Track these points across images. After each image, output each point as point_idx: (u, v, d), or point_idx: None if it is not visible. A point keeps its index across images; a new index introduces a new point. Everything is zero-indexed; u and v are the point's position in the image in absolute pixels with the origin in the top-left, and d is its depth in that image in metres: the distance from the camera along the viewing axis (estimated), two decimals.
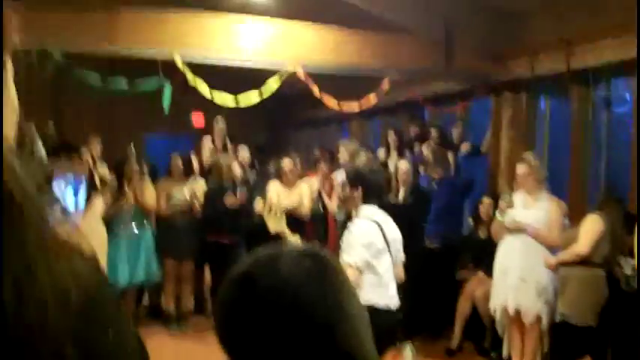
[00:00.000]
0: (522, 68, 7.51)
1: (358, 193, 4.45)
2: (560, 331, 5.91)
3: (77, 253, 0.85)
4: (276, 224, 4.75)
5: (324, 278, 1.14)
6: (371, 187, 4.49)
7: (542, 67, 7.26)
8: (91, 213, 1.19)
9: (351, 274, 4.13)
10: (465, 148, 8.09)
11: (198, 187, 7.89)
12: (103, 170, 8.03)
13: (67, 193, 1.11)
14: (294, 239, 4.57)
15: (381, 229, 4.34)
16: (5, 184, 0.70)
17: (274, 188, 7.73)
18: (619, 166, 7.17)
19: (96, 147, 8.39)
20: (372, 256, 4.26)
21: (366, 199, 4.44)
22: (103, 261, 1.24)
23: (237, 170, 7.87)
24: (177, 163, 7.92)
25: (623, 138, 7.32)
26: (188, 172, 8.01)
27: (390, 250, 4.38)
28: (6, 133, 0.90)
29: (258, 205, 7.45)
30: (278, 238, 4.66)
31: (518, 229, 6.16)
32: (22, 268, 0.69)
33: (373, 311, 4.17)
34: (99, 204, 1.26)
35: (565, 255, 5.75)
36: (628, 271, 5.62)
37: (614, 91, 7.12)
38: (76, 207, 1.15)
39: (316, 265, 1.15)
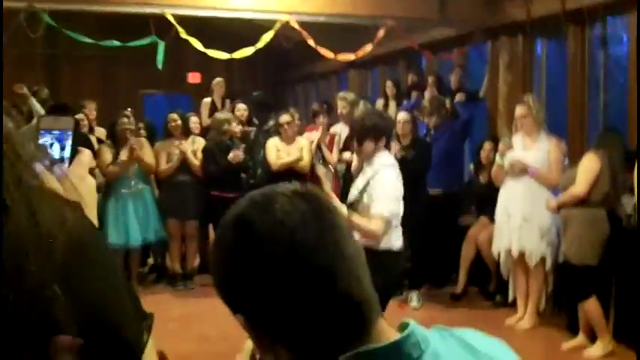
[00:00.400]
0: (518, 10, 7.42)
1: (374, 142, 4.33)
2: (564, 272, 5.94)
3: (64, 201, 0.86)
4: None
5: (320, 219, 1.10)
6: (385, 133, 4.41)
7: (538, 9, 7.18)
8: (78, 164, 1.19)
9: (380, 225, 4.12)
10: (459, 97, 8.00)
11: (198, 145, 7.87)
12: (100, 130, 8.04)
13: (53, 146, 1.11)
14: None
15: (398, 174, 4.32)
16: None
17: (273, 143, 7.71)
18: (617, 105, 7.13)
19: (92, 110, 8.35)
20: (400, 205, 4.27)
21: (377, 145, 4.33)
22: (93, 209, 1.25)
23: (235, 127, 7.82)
24: (176, 122, 7.87)
25: (620, 80, 7.27)
26: (187, 131, 7.97)
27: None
28: None
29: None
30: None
31: (518, 172, 6.15)
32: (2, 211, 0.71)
33: (389, 254, 4.21)
34: (86, 156, 1.27)
35: (564, 197, 5.73)
36: (629, 209, 5.62)
37: (611, 31, 7.04)
38: (63, 160, 1.15)
39: (311, 205, 1.11)
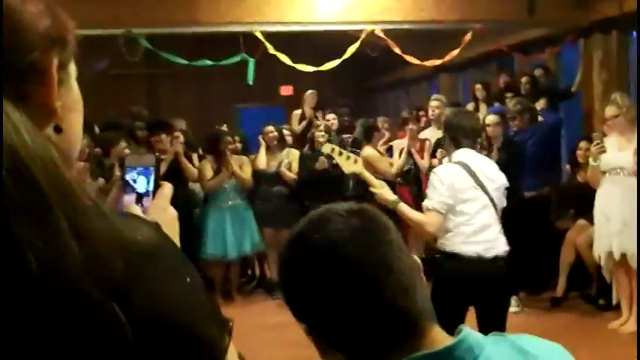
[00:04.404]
0: (610, 6, 7.22)
1: (449, 140, 4.31)
2: None
3: (141, 220, 0.94)
4: (349, 166, 4.64)
5: (370, 235, 1.20)
6: (460, 130, 4.27)
7: (632, 4, 6.95)
8: (160, 196, 1.29)
9: (427, 217, 4.07)
10: (542, 104, 7.79)
11: (292, 157, 8.05)
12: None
13: (137, 181, 1.21)
14: (380, 186, 4.45)
15: (469, 170, 4.14)
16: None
17: (372, 154, 7.70)
18: None
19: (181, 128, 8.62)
20: (457, 199, 4.09)
21: (457, 144, 4.25)
22: (176, 237, 1.34)
23: (321, 137, 7.94)
24: (273, 133, 8.08)
25: None
26: (282, 143, 8.17)
27: (486, 191, 4.17)
28: (72, 137, 0.95)
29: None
30: (369, 197, 4.54)
31: (615, 173, 5.99)
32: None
33: (455, 257, 4.08)
34: (168, 189, 1.37)
35: None
36: None
37: None
38: (147, 193, 1.25)
39: (363, 222, 1.21)
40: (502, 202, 4.31)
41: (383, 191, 4.28)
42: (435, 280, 3.96)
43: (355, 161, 4.55)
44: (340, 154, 4.58)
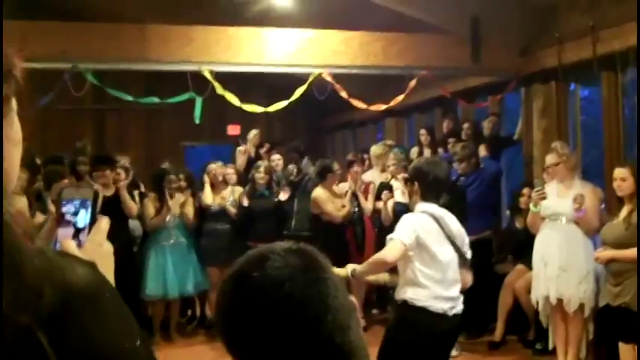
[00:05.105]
0: (550, 58, 7.46)
1: (416, 188, 4.23)
2: (605, 317, 5.83)
3: (74, 259, 0.93)
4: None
5: (308, 273, 1.22)
6: (428, 181, 4.17)
7: (570, 56, 7.21)
8: (96, 231, 1.27)
9: (394, 246, 3.96)
10: (483, 152, 7.96)
11: (237, 194, 8.03)
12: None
13: (79, 214, 1.19)
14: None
15: (439, 222, 4.08)
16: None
17: (322, 193, 7.74)
18: None
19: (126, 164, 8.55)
20: (427, 244, 4.01)
21: (425, 195, 4.19)
22: (110, 273, 1.34)
23: (262, 177, 7.97)
24: (216, 172, 8.07)
25: None
26: (226, 181, 8.16)
27: (455, 243, 4.12)
28: (10, 170, 0.94)
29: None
30: (308, 239, 4.57)
31: (554, 219, 6.12)
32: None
33: (427, 313, 3.99)
34: (104, 223, 1.36)
35: (622, 255, 5.56)
36: None
37: None
38: (84, 227, 1.23)
39: (302, 261, 1.24)
40: (468, 254, 4.28)
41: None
42: (400, 332, 4.03)
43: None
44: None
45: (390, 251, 3.99)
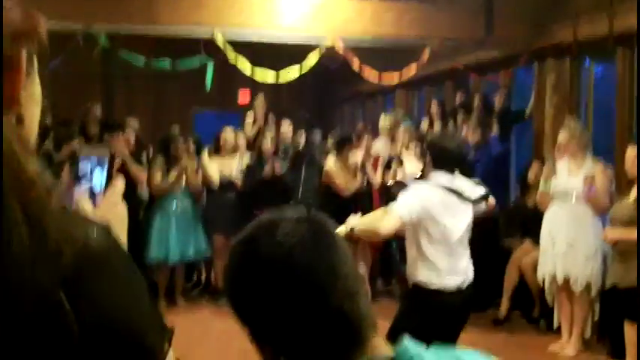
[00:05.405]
0: (565, 32, 7.38)
1: (429, 160, 4.19)
2: (611, 298, 5.84)
3: (88, 220, 0.93)
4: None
5: (317, 241, 1.21)
6: (440, 153, 4.13)
7: (586, 31, 7.12)
8: (112, 191, 1.27)
9: (390, 220, 3.89)
10: (493, 130, 7.90)
11: (246, 161, 8.03)
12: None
13: (94, 172, 1.18)
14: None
15: (450, 193, 4.02)
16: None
17: (334, 167, 7.73)
18: None
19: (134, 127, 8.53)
20: (434, 211, 3.95)
21: (437, 166, 4.12)
22: (124, 234, 1.34)
23: (268, 145, 7.94)
24: (229, 137, 8.03)
25: None
26: (236, 147, 8.15)
27: (464, 212, 4.09)
28: (32, 128, 0.98)
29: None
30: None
31: (564, 197, 6.10)
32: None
33: (425, 290, 3.99)
34: (120, 184, 1.36)
35: (628, 234, 5.55)
36: None
37: None
38: (100, 186, 1.23)
39: (311, 229, 1.22)
40: (480, 210, 4.29)
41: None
42: (417, 314, 4.02)
43: None
44: None
45: (385, 224, 3.93)
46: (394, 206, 3.93)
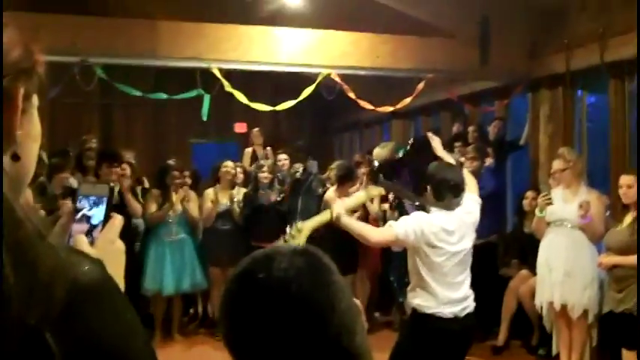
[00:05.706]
0: (559, 63, 7.46)
1: (429, 191, 4.20)
2: (608, 323, 5.83)
3: (83, 255, 0.93)
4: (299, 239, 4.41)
5: (314, 275, 1.21)
6: (441, 184, 4.15)
7: (579, 62, 7.21)
8: (109, 228, 1.27)
9: (385, 230, 3.98)
10: (488, 162, 7.93)
11: (241, 193, 8.01)
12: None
13: (92, 210, 1.19)
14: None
15: (449, 223, 4.06)
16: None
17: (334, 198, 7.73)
18: None
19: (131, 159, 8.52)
20: (434, 239, 3.99)
21: (437, 197, 4.15)
22: (121, 271, 1.33)
23: (265, 176, 7.93)
24: (229, 171, 8.03)
25: None
26: (234, 179, 8.14)
27: (462, 242, 4.15)
28: (28, 166, 0.97)
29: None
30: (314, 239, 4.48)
31: (560, 225, 6.12)
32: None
33: (437, 319, 4.02)
34: (118, 221, 1.36)
35: (624, 261, 5.59)
36: None
37: None
38: (99, 223, 1.25)
39: (308, 262, 1.23)
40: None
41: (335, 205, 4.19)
42: (416, 340, 4.05)
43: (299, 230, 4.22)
44: (293, 237, 4.22)
45: (378, 234, 4.04)
46: (394, 223, 4.03)
